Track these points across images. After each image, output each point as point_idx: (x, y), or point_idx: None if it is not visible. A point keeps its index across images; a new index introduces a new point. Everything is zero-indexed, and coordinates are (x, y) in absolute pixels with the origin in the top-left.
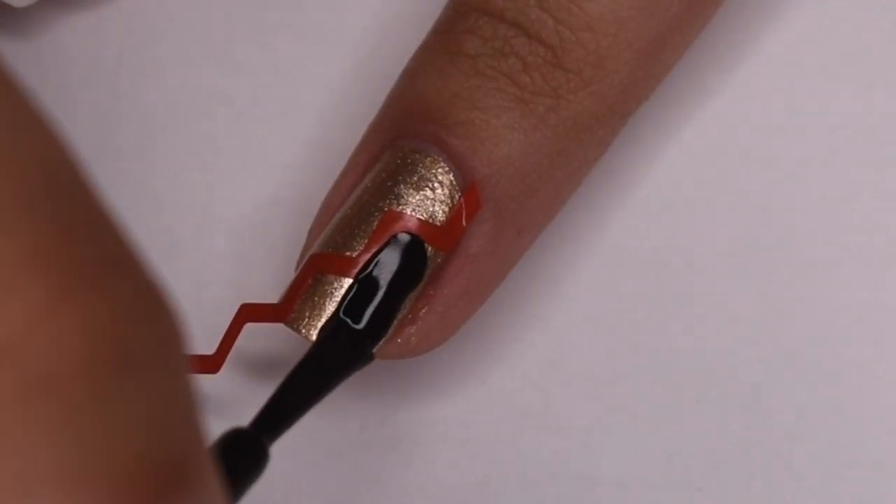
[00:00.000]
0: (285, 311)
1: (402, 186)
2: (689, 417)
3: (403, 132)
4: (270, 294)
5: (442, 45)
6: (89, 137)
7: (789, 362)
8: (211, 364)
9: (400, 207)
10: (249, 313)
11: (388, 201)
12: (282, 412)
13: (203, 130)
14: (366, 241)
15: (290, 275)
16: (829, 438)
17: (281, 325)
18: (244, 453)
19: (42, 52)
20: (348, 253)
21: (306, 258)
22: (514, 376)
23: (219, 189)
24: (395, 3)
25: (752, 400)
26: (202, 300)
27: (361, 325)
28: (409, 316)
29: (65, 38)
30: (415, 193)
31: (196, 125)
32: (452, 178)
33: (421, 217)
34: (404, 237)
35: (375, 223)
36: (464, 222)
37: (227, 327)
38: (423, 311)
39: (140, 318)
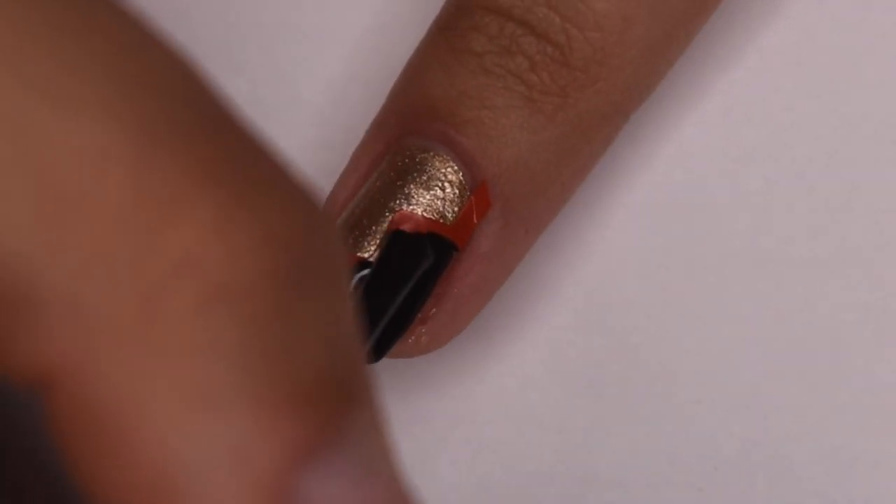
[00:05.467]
0: None
1: (411, 186)
2: (689, 417)
3: (410, 130)
4: None
5: (446, 41)
6: None
7: (789, 362)
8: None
9: (410, 207)
10: None
11: (398, 201)
12: None
13: None
14: (377, 241)
15: None
16: (829, 438)
17: None
18: None
19: None
20: (359, 254)
21: None
22: (514, 376)
23: None
24: (395, 4)
25: (752, 400)
26: None
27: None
28: (420, 315)
29: None
30: (425, 193)
31: None
32: (462, 178)
33: (431, 217)
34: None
35: (386, 224)
36: (475, 221)
37: None
38: (434, 310)
39: (313, 230)
